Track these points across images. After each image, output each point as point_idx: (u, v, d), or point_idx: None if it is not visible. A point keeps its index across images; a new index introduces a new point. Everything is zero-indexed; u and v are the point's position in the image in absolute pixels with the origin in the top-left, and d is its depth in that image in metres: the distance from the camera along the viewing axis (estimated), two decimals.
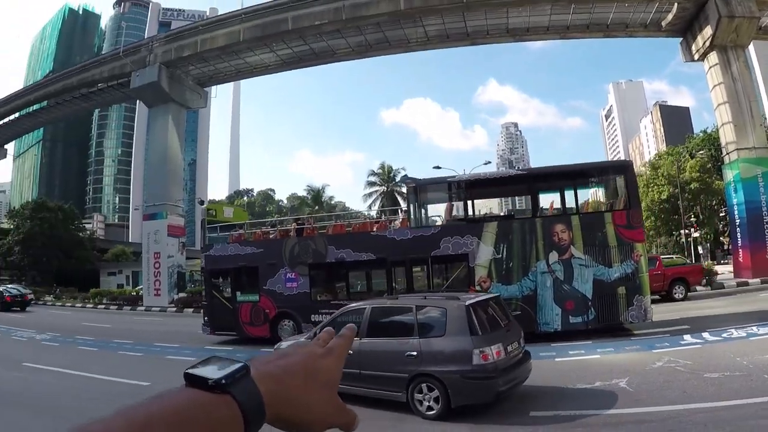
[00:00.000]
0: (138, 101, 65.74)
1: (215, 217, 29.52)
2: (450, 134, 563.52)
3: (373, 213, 73.71)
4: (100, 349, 19.35)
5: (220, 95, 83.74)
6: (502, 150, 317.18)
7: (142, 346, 19.24)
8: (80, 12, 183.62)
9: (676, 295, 25.67)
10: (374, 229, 19.21)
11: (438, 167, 46.45)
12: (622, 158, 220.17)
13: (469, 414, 8.45)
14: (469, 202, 18.46)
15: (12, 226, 69.54)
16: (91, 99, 60.43)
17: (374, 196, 75.98)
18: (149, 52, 47.14)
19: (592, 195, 19.74)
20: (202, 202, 51.69)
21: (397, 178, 74.56)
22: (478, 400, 8.62)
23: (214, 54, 45.14)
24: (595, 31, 39.26)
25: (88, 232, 79.12)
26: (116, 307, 41.13)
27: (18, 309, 40.25)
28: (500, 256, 16.73)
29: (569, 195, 17.33)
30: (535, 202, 17.79)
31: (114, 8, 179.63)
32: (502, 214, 18.93)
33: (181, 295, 41.70)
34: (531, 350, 10.72)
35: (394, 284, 17.94)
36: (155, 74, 45.48)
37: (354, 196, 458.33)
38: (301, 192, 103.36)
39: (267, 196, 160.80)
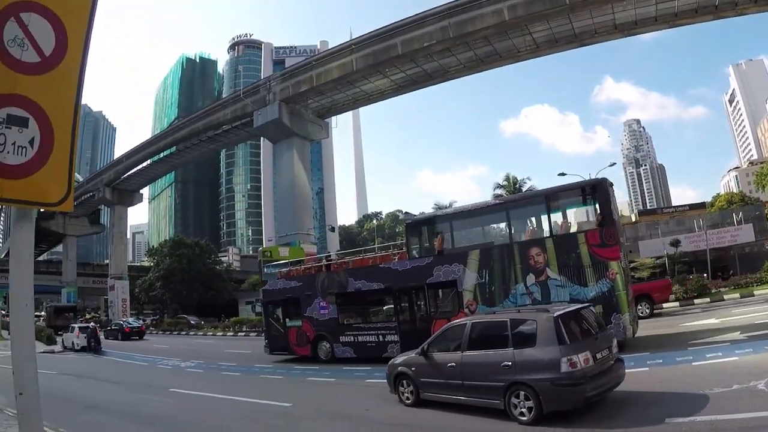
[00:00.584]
0: (262, 138, 68.66)
1: (270, 257, 35.56)
2: (571, 138, 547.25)
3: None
4: (242, 374, 20.59)
5: (341, 123, 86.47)
6: (627, 149, 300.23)
7: (282, 370, 20.32)
8: (197, 60, 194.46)
9: (639, 313, 22.24)
10: (380, 263, 21.22)
11: (563, 174, 45.84)
12: (750, 144, 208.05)
13: (601, 420, 8.44)
14: (455, 233, 19.81)
15: (152, 264, 74.12)
16: (217, 140, 63.86)
17: None
18: (268, 91, 49.31)
19: (573, 216, 18.95)
20: (332, 229, 53.50)
21: (523, 188, 73.84)
22: (567, 405, 9.11)
23: (329, 86, 46.58)
24: (704, 14, 37.06)
25: (224, 264, 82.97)
26: (255, 333, 42.85)
27: (136, 338, 46.37)
28: (483, 280, 17.77)
29: (543, 219, 18.10)
30: (510, 228, 18.84)
31: (229, 53, 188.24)
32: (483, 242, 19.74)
33: None
34: (668, 354, 10.84)
35: (406, 310, 19.86)
36: (276, 111, 47.48)
37: None
38: (429, 210, 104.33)
39: (395, 217, 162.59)
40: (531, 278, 16.87)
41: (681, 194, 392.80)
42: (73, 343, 35.74)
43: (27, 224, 5.59)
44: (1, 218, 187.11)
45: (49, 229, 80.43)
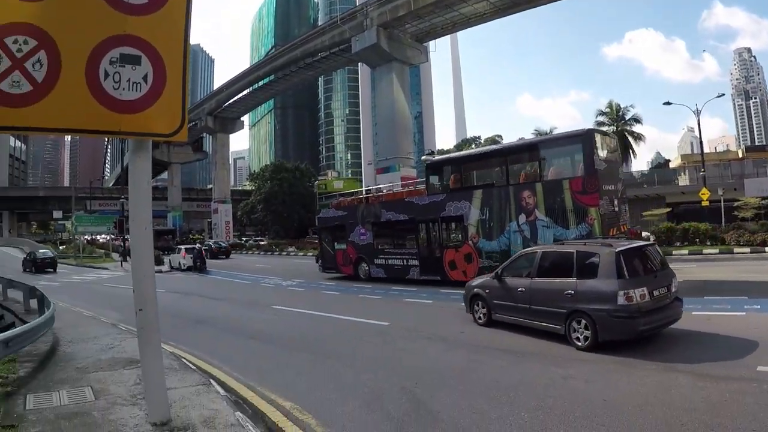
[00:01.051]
0: (360, 63, 68.61)
1: (326, 189, 40.06)
2: (677, 66, 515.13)
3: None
4: (341, 293, 21.16)
5: (439, 47, 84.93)
6: (737, 80, 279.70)
7: (380, 290, 20.61)
8: None
9: None
10: (406, 197, 24.00)
11: (668, 103, 43.69)
12: None
13: (688, 361, 8.37)
14: (464, 174, 22.16)
15: (254, 187, 76.47)
16: (316, 67, 64.33)
17: None
18: (365, 16, 48.92)
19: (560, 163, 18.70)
20: (431, 153, 53.22)
21: (627, 117, 70.83)
22: (621, 336, 9.55)
23: (427, 9, 45.71)
24: None
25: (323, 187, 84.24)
26: None
27: (223, 257, 51.20)
28: (485, 217, 19.87)
29: (536, 165, 19.33)
30: (508, 172, 20.11)
31: None
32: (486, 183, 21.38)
33: None
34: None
35: (424, 239, 22.30)
36: (374, 37, 47.19)
37: None
38: (529, 136, 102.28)
39: (494, 142, 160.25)
40: (522, 218, 18.70)
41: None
42: (179, 263, 38.05)
43: (144, 154, 6.09)
44: (108, 149, 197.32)
45: (155, 157, 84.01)
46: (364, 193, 29.91)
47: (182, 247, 39.97)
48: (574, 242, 12.96)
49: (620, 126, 70.16)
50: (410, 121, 56.52)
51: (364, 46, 48.69)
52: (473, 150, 27.73)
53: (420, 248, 22.28)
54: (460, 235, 20.86)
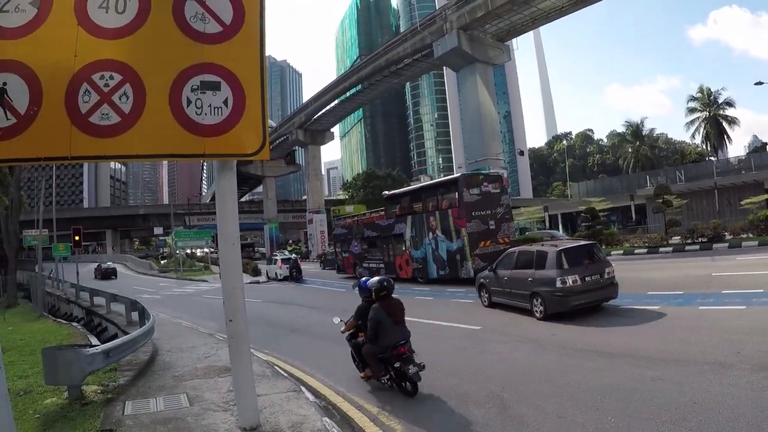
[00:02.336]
0: (444, 67, 68.55)
1: (339, 213, 50.36)
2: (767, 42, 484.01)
3: (698, 140, 68.90)
4: (434, 298, 21.31)
5: (522, 45, 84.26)
6: None
7: (473, 295, 20.39)
8: None
9: None
10: (375, 220, 32.85)
11: (760, 83, 41.28)
12: None
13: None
14: (403, 204, 30.00)
15: (347, 196, 77.52)
16: (400, 74, 64.62)
17: (696, 124, 69.45)
18: (444, 20, 48.78)
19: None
20: (522, 153, 53.05)
21: (719, 101, 67.75)
22: (560, 309, 13.46)
23: (505, 8, 45.12)
24: None
25: None
26: None
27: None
28: (413, 234, 28.29)
29: (435, 199, 27.37)
30: (422, 204, 28.30)
31: None
32: (414, 210, 28.98)
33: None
34: None
35: (386, 249, 30.89)
36: (455, 40, 47.01)
37: (675, 125, 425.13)
38: (621, 128, 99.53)
39: (586, 137, 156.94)
40: (431, 234, 26.88)
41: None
42: (276, 273, 39.00)
43: (229, 174, 6.48)
44: (204, 167, 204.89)
45: (249, 172, 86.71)
46: (356, 217, 38.78)
47: (278, 257, 41.00)
48: (534, 245, 17.89)
49: (713, 111, 67.25)
50: (497, 122, 55.95)
51: (446, 50, 48.51)
52: (407, 188, 36.74)
53: (383, 255, 31.11)
54: (402, 246, 29.29)
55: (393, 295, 8.73)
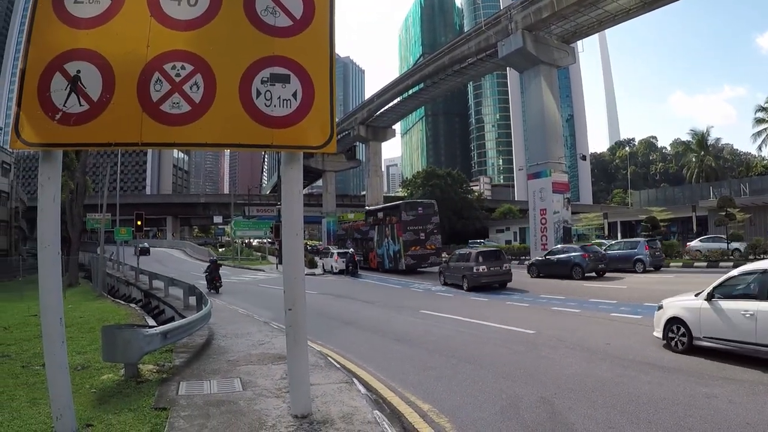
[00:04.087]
0: (508, 68, 67.87)
1: (343, 218, 56.37)
2: None
3: (764, 153, 66.79)
4: (490, 299, 21.26)
5: (588, 48, 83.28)
6: None
7: (529, 298, 20.75)
8: None
9: None
10: (360, 226, 45.98)
11: None
12: None
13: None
14: (374, 217, 43.42)
15: (406, 194, 77.32)
16: (464, 74, 64.32)
17: (763, 135, 66.75)
18: (509, 20, 48.30)
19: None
20: (584, 158, 52.77)
21: None
22: (475, 285, 24.35)
23: (571, 9, 44.39)
24: None
25: (475, 193, 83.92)
26: (515, 261, 42.96)
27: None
28: (378, 238, 41.16)
29: (390, 216, 39.90)
30: (382, 218, 41.03)
31: None
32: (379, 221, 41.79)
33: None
34: None
35: (365, 247, 43.31)
36: (520, 40, 46.51)
37: (741, 136, 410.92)
38: (684, 137, 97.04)
39: (649, 144, 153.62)
40: (387, 239, 39.64)
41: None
42: (332, 266, 39.51)
43: (295, 165, 6.60)
44: (265, 158, 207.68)
45: (310, 166, 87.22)
46: (351, 222, 50.31)
47: (335, 251, 41.46)
48: (474, 249, 30.44)
49: None
50: (560, 125, 55.06)
51: (510, 51, 47.98)
52: (376, 207, 51.86)
53: (363, 250, 43.23)
54: (372, 245, 42.10)
55: None
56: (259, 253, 66.37)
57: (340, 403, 7.18)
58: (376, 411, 6.94)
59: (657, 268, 29.60)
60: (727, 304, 9.43)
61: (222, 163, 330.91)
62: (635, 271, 28.71)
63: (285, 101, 6.08)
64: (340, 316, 18.02)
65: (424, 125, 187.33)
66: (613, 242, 36.20)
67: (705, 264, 29.47)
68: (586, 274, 26.78)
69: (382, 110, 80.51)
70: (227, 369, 9.24)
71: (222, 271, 29.22)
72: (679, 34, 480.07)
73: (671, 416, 6.84)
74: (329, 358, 10.37)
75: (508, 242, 61.45)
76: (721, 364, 9.10)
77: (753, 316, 8.80)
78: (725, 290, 9.72)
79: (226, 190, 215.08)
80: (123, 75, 5.80)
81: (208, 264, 30.52)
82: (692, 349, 9.97)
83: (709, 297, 9.77)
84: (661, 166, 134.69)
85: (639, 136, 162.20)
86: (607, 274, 27.82)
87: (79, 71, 5.74)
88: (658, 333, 10.86)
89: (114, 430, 6.15)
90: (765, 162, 77.46)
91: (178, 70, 5.84)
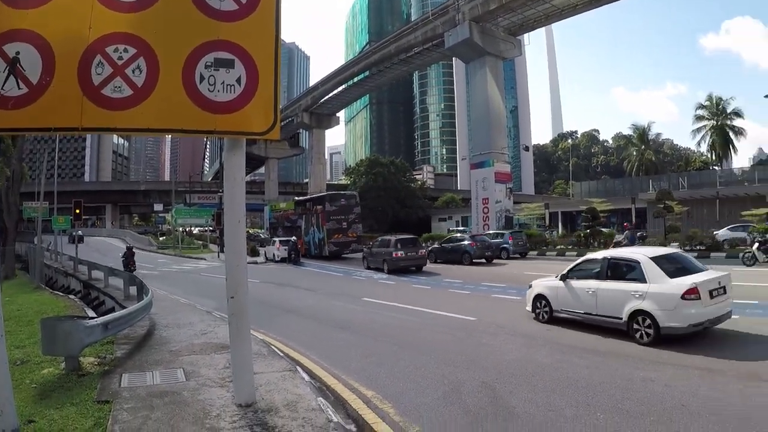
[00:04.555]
0: (454, 58, 68.29)
1: (275, 207, 58.51)
2: None
3: (703, 148, 69.28)
4: (431, 287, 21.38)
5: (535, 41, 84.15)
6: None
7: (470, 285, 20.77)
8: None
9: None
10: (291, 215, 47.92)
11: None
12: None
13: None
14: (302, 206, 45.84)
15: (349, 182, 77.22)
16: (409, 63, 64.63)
17: (702, 132, 69.23)
18: (456, 11, 48.74)
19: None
20: (527, 149, 53.70)
21: (727, 110, 67.55)
22: (394, 267, 27.46)
23: (519, 2, 45.07)
24: None
25: (418, 182, 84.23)
26: None
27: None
28: (305, 226, 42.95)
29: (316, 206, 41.73)
30: (309, 208, 43.47)
31: None
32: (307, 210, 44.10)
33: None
34: None
35: (294, 234, 42.83)
36: (466, 31, 46.95)
37: (681, 132, 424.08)
38: (626, 131, 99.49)
39: (591, 137, 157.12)
40: (312, 228, 41.45)
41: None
42: (274, 255, 39.28)
43: (238, 152, 6.52)
44: (207, 145, 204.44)
45: (253, 153, 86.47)
46: (282, 211, 52.63)
47: (277, 239, 41.24)
48: (392, 235, 31.18)
49: (720, 120, 67.14)
50: (504, 116, 55.86)
51: (457, 41, 48.48)
52: (304, 197, 53.98)
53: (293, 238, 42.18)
54: (301, 233, 42.88)
55: None
56: (201, 242, 65.16)
57: (284, 391, 7.19)
58: (320, 398, 6.99)
59: (523, 255, 35.13)
60: (576, 284, 11.84)
61: (163, 149, 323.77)
62: (500, 257, 33.33)
63: (229, 86, 5.98)
64: (282, 305, 17.89)
65: (368, 113, 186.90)
66: (491, 232, 39.34)
67: (575, 253, 31.38)
68: (473, 260, 30.49)
69: (326, 97, 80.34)
70: (170, 359, 9.11)
71: (162, 259, 28.97)
72: (625, 32, 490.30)
73: (609, 399, 7.08)
74: (272, 347, 10.35)
75: (450, 231, 61.88)
76: (652, 349, 9.46)
77: (594, 292, 11.24)
78: (576, 273, 12.09)
79: (168, 177, 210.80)
80: (63, 57, 5.60)
81: (124, 251, 30.78)
82: (553, 319, 12.29)
83: (564, 278, 12.16)
84: (602, 159, 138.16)
85: (582, 129, 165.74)
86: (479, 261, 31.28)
87: (18, 53, 5.52)
88: (529, 307, 13.25)
89: (56, 425, 6.02)
90: (703, 157, 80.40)
91: (120, 53, 5.67)
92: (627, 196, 56.46)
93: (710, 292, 9.88)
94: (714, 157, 71.44)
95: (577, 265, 12.35)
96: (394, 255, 27.49)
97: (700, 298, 9.64)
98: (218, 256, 44.14)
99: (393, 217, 67.42)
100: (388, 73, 69.95)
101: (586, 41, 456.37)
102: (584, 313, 11.49)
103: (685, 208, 38.78)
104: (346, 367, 9.16)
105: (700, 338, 9.95)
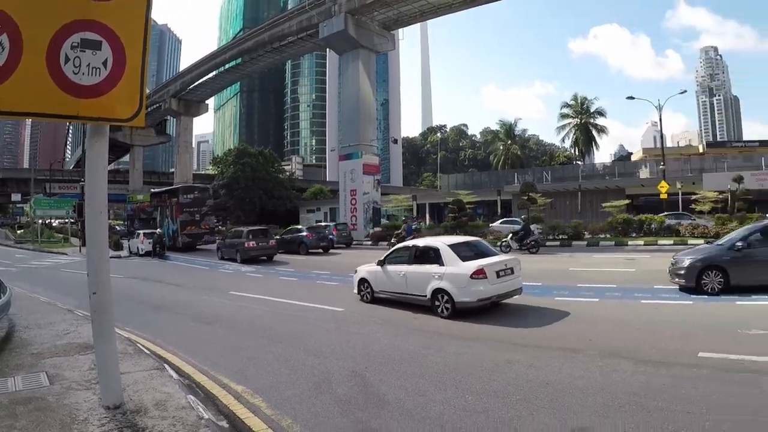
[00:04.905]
0: (328, 49, 68.20)
1: (132, 199, 61.18)
2: (642, 62, 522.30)
3: (567, 144, 73.57)
4: (299, 279, 21.55)
5: (409, 36, 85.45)
6: (702, 77, 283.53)
7: (338, 276, 20.89)
8: None
9: None
10: (147, 206, 50.84)
11: (631, 98, 45.15)
12: None
13: (631, 348, 8.62)
14: (158, 199, 46.82)
15: (217, 172, 75.50)
16: (283, 51, 63.95)
17: (567, 129, 73.63)
18: (333, 2, 48.64)
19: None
20: (395, 141, 54.54)
21: (591, 109, 72.14)
22: (246, 258, 29.13)
23: None
24: None
25: (287, 173, 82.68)
26: None
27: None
28: (161, 218, 43.64)
29: (171, 197, 43.00)
30: (163, 200, 44.33)
31: None
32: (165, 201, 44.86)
33: (376, 229, 44.22)
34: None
35: (149, 223, 47.15)
36: (342, 23, 46.97)
37: (547, 129, 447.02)
38: (494, 126, 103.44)
39: (460, 131, 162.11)
40: (167, 219, 42.10)
41: (754, 130, 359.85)
42: (138, 248, 37.99)
43: (101, 139, 6.12)
44: (69, 131, 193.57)
45: (117, 140, 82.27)
46: (139, 203, 56.94)
47: (141, 231, 39.71)
48: (244, 227, 34.63)
49: (584, 118, 71.73)
50: (374, 109, 56.51)
51: (332, 32, 48.35)
52: (160, 189, 51.65)
53: (148, 228, 42.65)
54: (158, 223, 43.63)
55: None
56: (62, 235, 61.72)
57: (153, 390, 6.91)
58: (190, 396, 6.80)
59: (348, 245, 39.63)
60: (391, 268, 13.83)
61: (23, 134, 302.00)
62: (327, 247, 35.90)
63: (94, 69, 5.59)
64: (148, 301, 17.24)
65: (238, 101, 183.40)
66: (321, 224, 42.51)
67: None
68: (310, 250, 33.72)
69: (196, 83, 78.07)
70: (32, 363, 8.47)
71: (20, 255, 27.07)
72: (499, 33, 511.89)
73: (477, 381, 7.38)
74: (138, 345, 9.91)
75: (318, 221, 61.80)
76: (517, 332, 9.81)
77: (405, 275, 13.26)
78: (391, 259, 14.07)
79: (27, 164, 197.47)
80: None
81: None
82: (375, 299, 14.31)
83: (381, 263, 14.17)
84: (470, 153, 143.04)
85: (451, 124, 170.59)
86: (315, 251, 34.43)
87: None
88: (355, 290, 15.17)
89: None
90: (567, 153, 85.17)
91: None
92: (493, 188, 59.34)
93: (497, 273, 11.98)
94: (577, 153, 76.21)
95: (393, 252, 14.45)
96: (246, 245, 29.37)
97: (486, 278, 11.68)
98: (80, 250, 41.78)
99: (261, 209, 66.46)
100: (260, 61, 68.83)
101: (461, 40, 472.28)
102: (398, 293, 13.54)
103: (548, 200, 40.76)
104: (216, 363, 9.00)
105: (493, 310, 12.24)
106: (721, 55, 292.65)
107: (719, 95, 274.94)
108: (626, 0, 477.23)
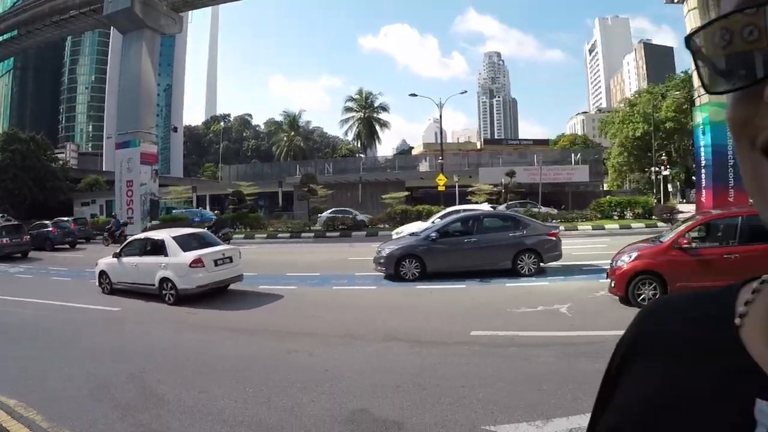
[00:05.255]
0: (112, 27, 64.36)
1: None
2: (428, 62, 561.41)
3: (350, 137, 76.81)
4: (73, 279, 19.95)
5: (198, 21, 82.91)
6: (484, 79, 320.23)
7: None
8: None
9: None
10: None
11: (414, 95, 47.74)
12: (602, 94, 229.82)
13: (407, 331, 9.42)
14: None
15: None
16: (64, 26, 59.24)
17: (350, 122, 76.04)
18: None
19: None
20: (175, 129, 52.35)
21: (376, 104, 74.90)
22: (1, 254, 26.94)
23: None
24: None
25: (61, 162, 76.59)
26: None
27: None
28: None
29: None
30: None
31: None
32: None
33: (154, 222, 41.87)
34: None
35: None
36: (128, 0, 44.45)
37: (332, 121, 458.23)
38: (278, 117, 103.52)
39: (244, 121, 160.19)
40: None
41: (529, 130, 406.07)
42: None
43: None
44: None
45: None
46: None
47: None
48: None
49: (368, 112, 74.76)
50: (156, 94, 53.89)
51: (116, 9, 45.48)
52: None
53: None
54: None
55: None
56: None
57: None
58: None
59: (87, 240, 38.62)
60: (126, 260, 14.66)
61: None
62: (73, 242, 35.36)
63: None
64: None
65: (10, 80, 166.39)
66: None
67: (288, 235, 33.61)
68: (56, 246, 33.25)
69: None
70: None
71: None
72: (290, 22, 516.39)
73: (259, 372, 7.60)
74: None
75: (93, 216, 57.93)
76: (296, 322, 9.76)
77: (137, 266, 14.21)
78: (126, 251, 14.90)
79: None
80: None
81: None
82: (114, 291, 14.96)
83: (117, 256, 14.93)
84: (253, 143, 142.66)
85: (237, 113, 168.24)
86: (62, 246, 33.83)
87: None
88: (96, 282, 15.64)
89: None
90: (350, 146, 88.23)
91: None
92: (275, 179, 60.34)
93: (215, 261, 13.42)
94: (360, 146, 79.04)
95: (127, 244, 15.46)
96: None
97: (204, 266, 13.07)
98: None
99: (32, 201, 61.15)
100: (39, 35, 62.90)
101: (251, 30, 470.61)
102: (132, 283, 14.46)
103: (330, 191, 41.72)
104: None
105: (214, 296, 13.55)
106: (503, 61, 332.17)
107: (499, 97, 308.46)
108: (419, 2, 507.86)
